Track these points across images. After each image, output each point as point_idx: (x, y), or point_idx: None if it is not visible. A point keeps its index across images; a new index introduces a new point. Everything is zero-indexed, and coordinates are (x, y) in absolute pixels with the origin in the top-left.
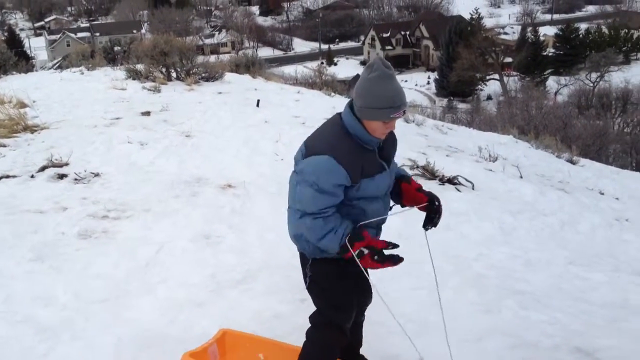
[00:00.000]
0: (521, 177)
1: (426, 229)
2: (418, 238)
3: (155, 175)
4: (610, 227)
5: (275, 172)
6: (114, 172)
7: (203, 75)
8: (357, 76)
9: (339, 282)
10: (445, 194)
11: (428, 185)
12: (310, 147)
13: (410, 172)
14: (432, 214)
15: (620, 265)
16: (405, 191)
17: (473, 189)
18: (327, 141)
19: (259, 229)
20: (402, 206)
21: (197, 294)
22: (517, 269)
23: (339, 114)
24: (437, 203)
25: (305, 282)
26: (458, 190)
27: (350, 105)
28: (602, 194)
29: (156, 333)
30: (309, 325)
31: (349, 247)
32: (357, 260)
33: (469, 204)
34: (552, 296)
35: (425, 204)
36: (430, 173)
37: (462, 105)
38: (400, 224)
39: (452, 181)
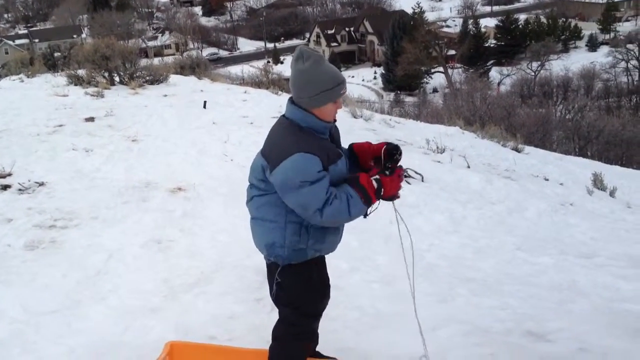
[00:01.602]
0: (469, 167)
1: (388, 168)
2: (371, 232)
3: (102, 181)
4: (555, 212)
5: (225, 173)
6: (59, 180)
7: (147, 78)
8: None
9: (310, 288)
10: None
11: None
12: (273, 156)
13: None
14: (393, 151)
15: (567, 249)
16: (359, 151)
17: (422, 180)
18: (287, 142)
19: (211, 230)
20: (361, 168)
21: (150, 300)
22: (467, 257)
23: (283, 116)
24: (393, 144)
25: (272, 292)
26: (408, 182)
27: (292, 102)
28: (547, 180)
29: (110, 342)
30: (273, 340)
31: (366, 190)
32: (385, 189)
33: (419, 196)
34: (502, 282)
35: (384, 149)
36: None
37: (409, 99)
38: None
39: None
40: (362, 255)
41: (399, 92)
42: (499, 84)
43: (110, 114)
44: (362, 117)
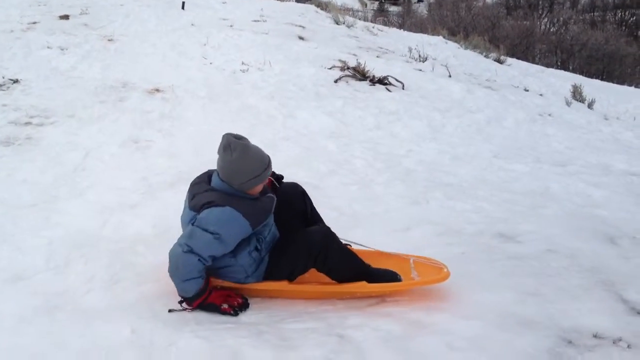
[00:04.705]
0: (450, 76)
1: None
2: (350, 137)
3: (78, 80)
4: (533, 122)
5: (204, 75)
6: (35, 78)
7: None
8: None
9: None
10: (376, 94)
11: (359, 86)
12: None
13: (341, 73)
14: None
15: (542, 157)
16: None
17: (403, 88)
18: None
19: (189, 132)
20: None
21: (128, 197)
22: (444, 163)
23: (210, 185)
24: None
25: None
26: (388, 90)
27: (221, 179)
28: (527, 90)
29: (88, 235)
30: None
31: None
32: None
33: (399, 104)
34: (477, 187)
35: None
36: (360, 74)
37: (393, 8)
38: (332, 123)
39: (382, 81)
40: (340, 159)
41: (383, 1)
42: None
43: (85, 12)
44: (344, 24)
